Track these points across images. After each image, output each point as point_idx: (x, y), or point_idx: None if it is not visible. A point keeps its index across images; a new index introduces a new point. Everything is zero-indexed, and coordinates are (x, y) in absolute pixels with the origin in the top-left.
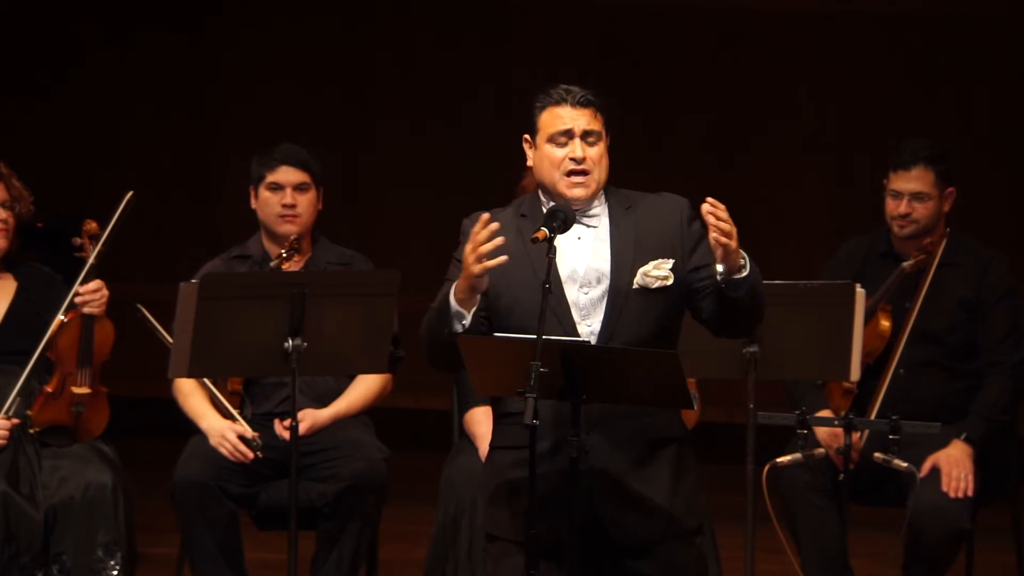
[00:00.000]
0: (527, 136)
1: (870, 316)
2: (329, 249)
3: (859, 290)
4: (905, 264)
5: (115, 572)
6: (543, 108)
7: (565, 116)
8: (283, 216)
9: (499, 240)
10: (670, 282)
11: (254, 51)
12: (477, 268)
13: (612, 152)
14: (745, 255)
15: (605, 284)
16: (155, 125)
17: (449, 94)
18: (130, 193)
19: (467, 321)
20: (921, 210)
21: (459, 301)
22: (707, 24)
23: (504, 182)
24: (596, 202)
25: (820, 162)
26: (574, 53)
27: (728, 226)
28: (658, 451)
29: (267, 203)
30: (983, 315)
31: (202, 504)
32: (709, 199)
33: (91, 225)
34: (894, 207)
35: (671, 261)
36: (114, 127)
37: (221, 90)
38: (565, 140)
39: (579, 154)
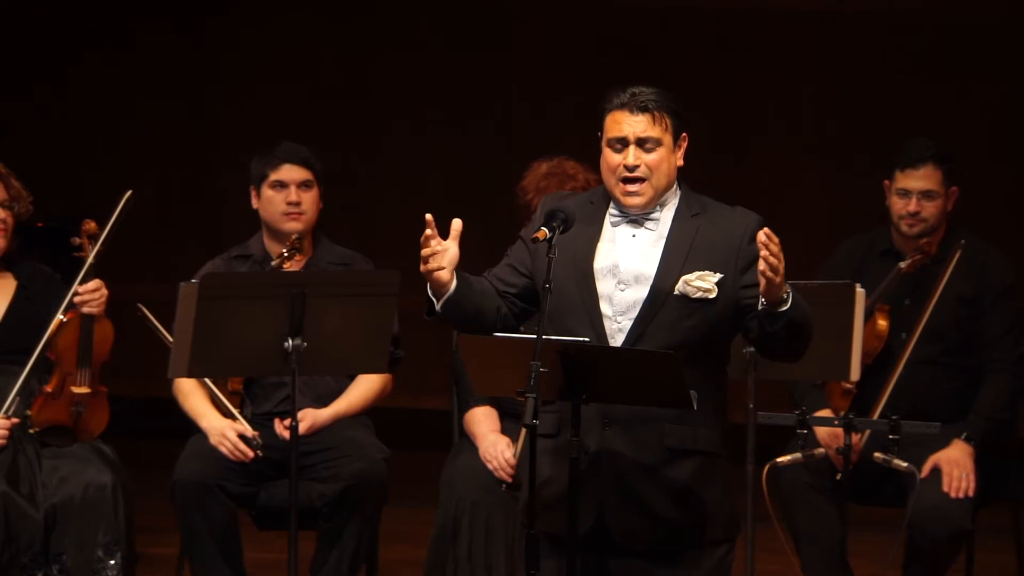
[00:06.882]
0: (599, 134)
1: (867, 316)
2: (330, 249)
3: (859, 290)
4: (901, 264)
5: (115, 572)
6: (607, 111)
7: (623, 122)
8: (288, 214)
9: (437, 244)
10: (712, 295)
11: (254, 51)
12: (423, 269)
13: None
14: (790, 291)
15: (646, 286)
16: (155, 125)
17: (450, 94)
18: (129, 192)
19: (438, 307)
20: (930, 208)
21: (432, 290)
22: (707, 24)
23: (505, 182)
24: (659, 205)
25: (820, 162)
26: (574, 53)
27: (776, 261)
28: (677, 460)
29: (271, 201)
30: (983, 312)
31: (202, 503)
32: (766, 230)
33: (90, 225)
34: (902, 206)
35: (718, 275)
36: (114, 127)
37: (221, 90)
38: (621, 147)
39: (631, 161)
